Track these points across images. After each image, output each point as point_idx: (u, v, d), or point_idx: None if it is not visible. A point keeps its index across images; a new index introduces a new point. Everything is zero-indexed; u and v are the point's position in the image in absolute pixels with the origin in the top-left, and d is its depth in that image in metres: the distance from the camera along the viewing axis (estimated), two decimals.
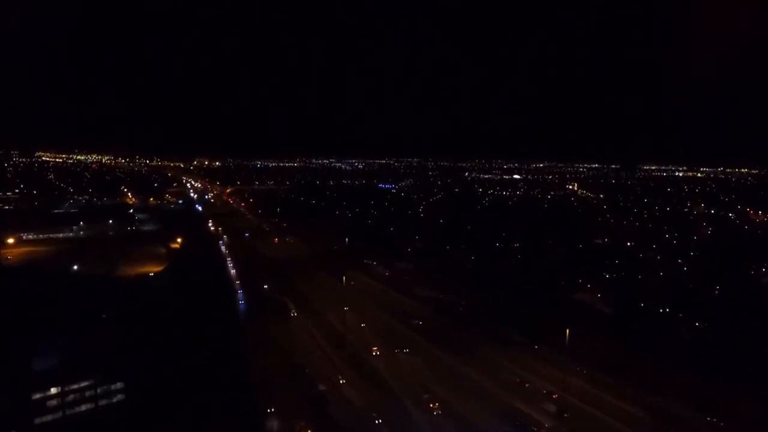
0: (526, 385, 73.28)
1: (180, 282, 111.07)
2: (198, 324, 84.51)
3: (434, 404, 66.55)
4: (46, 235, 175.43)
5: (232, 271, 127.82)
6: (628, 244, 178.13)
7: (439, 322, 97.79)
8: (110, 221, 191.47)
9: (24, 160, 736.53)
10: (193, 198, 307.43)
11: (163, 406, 60.94)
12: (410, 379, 75.16)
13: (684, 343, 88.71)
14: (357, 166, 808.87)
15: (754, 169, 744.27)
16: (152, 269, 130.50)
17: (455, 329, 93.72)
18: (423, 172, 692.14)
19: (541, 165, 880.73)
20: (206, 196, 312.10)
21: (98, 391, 60.76)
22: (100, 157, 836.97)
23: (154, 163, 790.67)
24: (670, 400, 67.72)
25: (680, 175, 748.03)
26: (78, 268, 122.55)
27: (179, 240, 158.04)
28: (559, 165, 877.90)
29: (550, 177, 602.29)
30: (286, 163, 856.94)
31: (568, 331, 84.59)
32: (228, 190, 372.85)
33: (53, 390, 58.24)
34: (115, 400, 61.88)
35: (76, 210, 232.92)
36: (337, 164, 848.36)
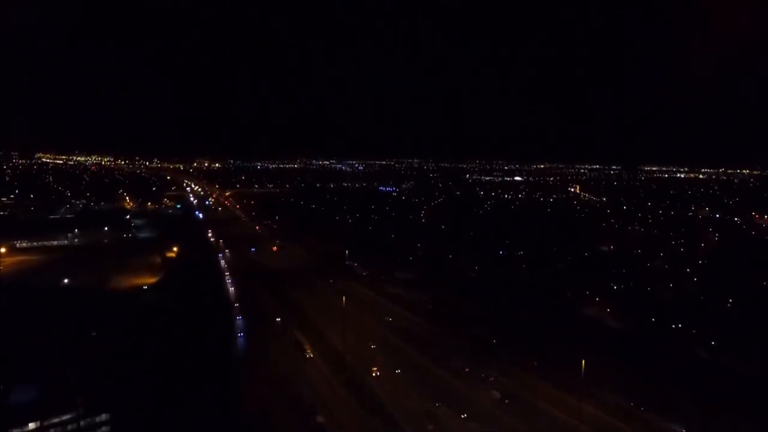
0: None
1: (173, 297, 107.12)
2: (189, 349, 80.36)
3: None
4: (40, 243, 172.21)
5: (230, 288, 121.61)
6: (634, 251, 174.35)
7: (457, 348, 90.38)
8: (106, 228, 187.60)
9: (24, 161, 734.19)
10: (192, 203, 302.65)
11: None
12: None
13: (704, 365, 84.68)
14: (357, 168, 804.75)
15: (756, 170, 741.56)
16: (147, 280, 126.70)
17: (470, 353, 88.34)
18: (423, 174, 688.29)
19: (542, 166, 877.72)
20: (206, 202, 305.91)
21: (81, 424, 56.83)
22: (100, 158, 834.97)
23: (154, 164, 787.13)
24: None
25: (682, 176, 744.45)
26: (69, 281, 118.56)
27: (175, 249, 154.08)
28: (560, 166, 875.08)
29: (551, 179, 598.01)
30: (287, 164, 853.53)
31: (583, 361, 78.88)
32: (227, 194, 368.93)
33: (31, 426, 54.34)
34: None
35: (72, 215, 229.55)
36: (338, 165, 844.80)
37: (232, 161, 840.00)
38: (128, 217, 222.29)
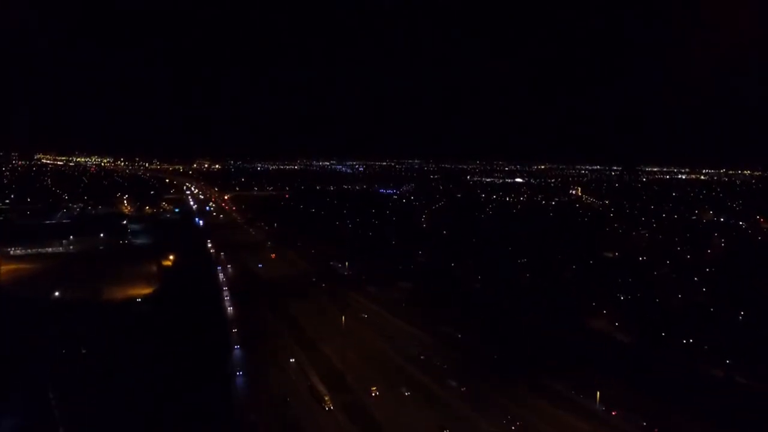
0: None
1: (167, 311, 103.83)
2: (181, 371, 77.06)
3: None
4: (35, 250, 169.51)
5: (228, 306, 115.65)
6: (640, 258, 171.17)
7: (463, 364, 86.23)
8: (101, 234, 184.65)
9: (23, 162, 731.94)
10: (192, 208, 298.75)
11: None
12: None
13: (720, 384, 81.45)
14: (358, 169, 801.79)
15: (757, 171, 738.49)
16: (141, 291, 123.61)
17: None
18: (424, 175, 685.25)
19: (543, 167, 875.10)
20: (207, 207, 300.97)
21: None
22: (100, 159, 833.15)
23: (154, 165, 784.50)
24: None
25: (683, 177, 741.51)
26: (60, 294, 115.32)
27: (171, 257, 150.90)
28: (561, 167, 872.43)
29: (552, 181, 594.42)
30: (287, 165, 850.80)
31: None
32: (227, 197, 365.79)
33: None
34: None
35: (69, 220, 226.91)
36: (338, 167, 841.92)
37: (232, 162, 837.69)
38: (125, 222, 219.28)
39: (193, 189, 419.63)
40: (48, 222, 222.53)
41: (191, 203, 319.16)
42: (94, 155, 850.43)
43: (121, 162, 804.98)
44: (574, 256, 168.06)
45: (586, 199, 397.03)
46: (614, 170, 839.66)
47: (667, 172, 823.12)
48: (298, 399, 74.00)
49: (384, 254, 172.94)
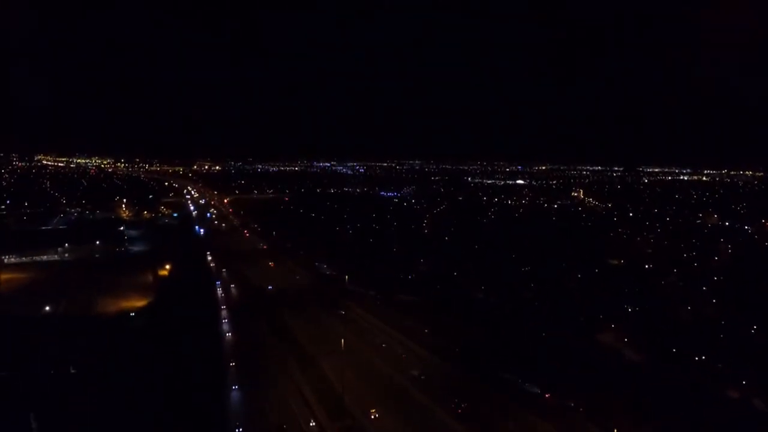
0: None
1: (161, 326, 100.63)
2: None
3: None
4: (30, 258, 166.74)
5: (225, 321, 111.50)
6: (647, 266, 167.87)
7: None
8: (97, 242, 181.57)
9: (23, 164, 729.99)
10: (191, 212, 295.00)
11: None
12: None
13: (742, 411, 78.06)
14: (358, 170, 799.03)
15: (759, 172, 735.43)
16: (135, 304, 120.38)
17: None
18: (425, 176, 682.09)
19: (543, 167, 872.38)
20: (206, 212, 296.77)
21: None
22: (100, 160, 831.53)
23: (154, 167, 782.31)
24: None
25: (685, 178, 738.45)
26: (50, 308, 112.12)
27: (168, 267, 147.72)
28: (561, 167, 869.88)
29: (554, 182, 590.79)
30: (287, 166, 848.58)
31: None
32: (226, 201, 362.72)
33: None
34: None
35: (65, 226, 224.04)
36: (338, 168, 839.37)
37: (232, 163, 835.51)
38: (122, 228, 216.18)
39: (192, 193, 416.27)
40: (44, 228, 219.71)
41: (191, 208, 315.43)
42: (94, 156, 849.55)
43: (121, 164, 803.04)
44: (579, 263, 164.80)
45: (589, 202, 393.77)
46: (615, 171, 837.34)
47: (669, 173, 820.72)
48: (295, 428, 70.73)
49: (385, 262, 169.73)
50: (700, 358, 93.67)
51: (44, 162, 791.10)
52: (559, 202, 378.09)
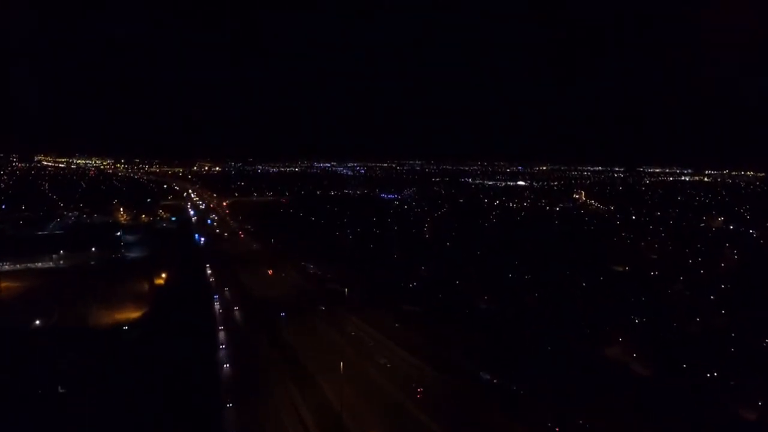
0: None
1: (155, 339, 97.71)
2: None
3: None
4: (24, 265, 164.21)
5: (221, 332, 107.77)
6: (653, 273, 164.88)
7: None
8: (93, 249, 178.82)
9: (23, 164, 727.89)
10: (190, 216, 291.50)
11: None
12: None
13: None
14: (358, 171, 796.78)
15: (761, 172, 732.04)
16: (130, 315, 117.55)
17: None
18: (425, 177, 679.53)
19: (544, 168, 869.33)
20: (205, 216, 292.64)
21: None
22: (100, 161, 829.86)
23: (154, 168, 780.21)
24: None
25: (687, 179, 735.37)
26: (42, 321, 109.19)
27: (164, 275, 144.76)
28: (562, 168, 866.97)
29: (555, 184, 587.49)
30: (287, 167, 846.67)
31: None
32: (225, 203, 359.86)
33: None
34: None
35: (62, 231, 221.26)
36: (339, 168, 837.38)
37: (232, 164, 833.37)
38: (119, 233, 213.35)
39: (192, 196, 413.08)
40: (40, 233, 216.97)
41: (190, 212, 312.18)
42: (94, 157, 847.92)
43: (121, 164, 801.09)
44: (583, 270, 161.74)
45: (591, 204, 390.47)
46: (616, 171, 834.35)
47: (670, 174, 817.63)
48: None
49: (387, 268, 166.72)
50: (711, 372, 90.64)
51: (44, 163, 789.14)
52: (561, 204, 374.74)
